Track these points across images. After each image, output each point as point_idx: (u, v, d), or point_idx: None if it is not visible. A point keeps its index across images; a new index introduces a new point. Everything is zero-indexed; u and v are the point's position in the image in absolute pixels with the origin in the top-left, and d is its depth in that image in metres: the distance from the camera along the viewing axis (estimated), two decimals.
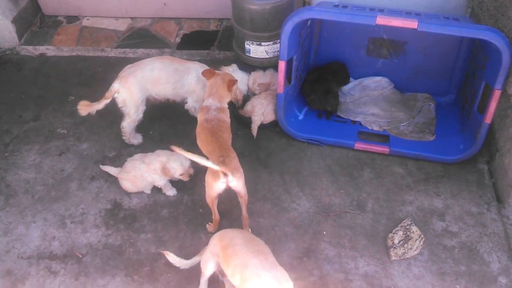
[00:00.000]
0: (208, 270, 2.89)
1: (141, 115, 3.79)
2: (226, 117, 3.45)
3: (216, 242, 2.82)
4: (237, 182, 3.08)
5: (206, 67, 3.76)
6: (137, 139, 3.91)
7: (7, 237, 3.34)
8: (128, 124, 3.79)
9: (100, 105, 3.65)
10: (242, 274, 2.55)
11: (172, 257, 3.05)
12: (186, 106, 3.87)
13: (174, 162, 3.42)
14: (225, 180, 3.04)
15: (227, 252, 2.70)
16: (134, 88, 3.66)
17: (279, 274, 2.57)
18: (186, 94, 3.82)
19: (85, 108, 3.65)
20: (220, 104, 3.44)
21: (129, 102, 3.70)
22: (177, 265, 3.05)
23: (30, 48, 4.79)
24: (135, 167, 3.48)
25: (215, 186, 3.09)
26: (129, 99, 3.69)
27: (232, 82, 3.51)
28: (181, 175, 3.46)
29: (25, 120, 4.14)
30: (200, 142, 3.35)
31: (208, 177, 3.14)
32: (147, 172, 3.47)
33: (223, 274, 2.86)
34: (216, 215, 3.27)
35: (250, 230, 3.34)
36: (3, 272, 3.15)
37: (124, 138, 3.86)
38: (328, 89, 4.07)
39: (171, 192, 3.57)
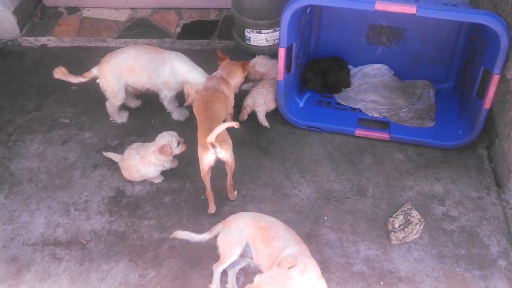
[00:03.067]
0: (235, 254, 2.90)
1: (120, 102, 3.87)
2: (228, 90, 3.50)
3: (250, 223, 2.89)
4: (225, 153, 3.20)
5: (182, 56, 3.80)
6: (121, 118, 4.01)
7: (12, 225, 3.38)
8: (109, 105, 3.92)
9: (74, 79, 3.78)
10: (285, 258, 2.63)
11: (181, 234, 3.09)
12: (160, 98, 3.88)
13: (163, 138, 3.45)
14: (214, 151, 3.16)
15: (268, 233, 2.81)
16: (108, 75, 3.72)
17: (318, 268, 2.68)
18: (161, 85, 3.80)
19: (60, 73, 3.75)
20: (226, 76, 3.52)
21: (106, 88, 3.79)
22: (189, 237, 3.09)
23: (31, 39, 4.81)
24: (130, 156, 3.52)
25: (205, 158, 3.19)
26: (105, 85, 3.78)
27: (246, 62, 3.65)
28: (178, 145, 3.49)
29: (28, 110, 4.17)
30: (194, 110, 3.43)
31: (199, 150, 3.24)
32: (140, 164, 3.49)
33: (242, 255, 2.95)
34: (208, 189, 3.35)
35: (236, 193, 3.50)
36: (8, 259, 3.20)
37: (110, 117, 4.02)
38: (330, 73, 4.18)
39: (159, 179, 3.62)
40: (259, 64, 3.99)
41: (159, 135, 3.48)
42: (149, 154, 3.46)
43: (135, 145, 3.60)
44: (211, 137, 3.05)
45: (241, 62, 3.59)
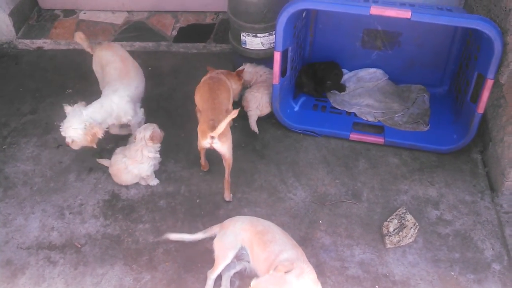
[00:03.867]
0: (228, 257, 2.91)
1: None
2: (229, 84, 3.62)
3: (246, 227, 2.90)
4: (221, 146, 3.28)
5: (128, 91, 3.58)
6: None
7: (6, 228, 3.37)
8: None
9: (87, 47, 3.89)
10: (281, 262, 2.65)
11: (174, 236, 3.15)
12: None
13: (147, 128, 3.46)
14: (211, 141, 3.24)
15: (265, 237, 2.81)
16: (96, 57, 3.81)
17: (314, 273, 2.69)
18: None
19: (79, 38, 3.88)
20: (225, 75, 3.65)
21: (94, 67, 3.88)
22: (182, 239, 3.16)
23: (27, 41, 4.81)
24: (117, 160, 3.52)
25: (201, 143, 3.32)
26: (93, 65, 3.86)
27: (241, 70, 3.74)
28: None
29: (23, 113, 4.17)
30: (198, 98, 3.50)
31: (198, 131, 3.33)
32: (132, 165, 3.48)
33: (238, 258, 2.97)
34: (202, 160, 3.62)
35: (231, 196, 3.50)
36: (3, 262, 3.19)
37: None
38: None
39: (154, 181, 3.62)
40: (244, 72, 3.99)
41: (141, 128, 3.48)
42: (139, 152, 3.45)
43: (118, 150, 3.59)
44: (216, 132, 3.15)
45: (236, 71, 3.70)
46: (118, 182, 3.60)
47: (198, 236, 3.10)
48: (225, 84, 3.54)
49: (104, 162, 3.71)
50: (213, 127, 3.17)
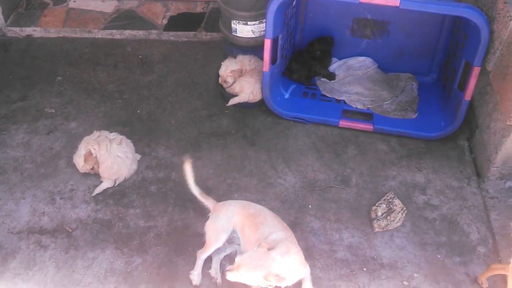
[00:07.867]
0: (221, 240, 2.95)
1: None
2: None
3: (238, 211, 2.95)
4: None
5: None
6: None
7: None
8: None
9: None
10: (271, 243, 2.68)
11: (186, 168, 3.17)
12: None
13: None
14: None
15: (256, 219, 2.87)
16: None
17: (301, 254, 2.74)
18: None
19: None
20: None
21: None
22: (188, 178, 3.15)
23: (16, 29, 4.78)
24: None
25: None
26: None
27: None
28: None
29: (13, 100, 4.15)
30: None
31: None
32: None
33: (229, 241, 3.00)
34: None
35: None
36: None
37: None
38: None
39: None
40: (231, 64, 4.01)
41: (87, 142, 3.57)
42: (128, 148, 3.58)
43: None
44: None
45: None
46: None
47: (196, 191, 3.15)
48: None
49: None
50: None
